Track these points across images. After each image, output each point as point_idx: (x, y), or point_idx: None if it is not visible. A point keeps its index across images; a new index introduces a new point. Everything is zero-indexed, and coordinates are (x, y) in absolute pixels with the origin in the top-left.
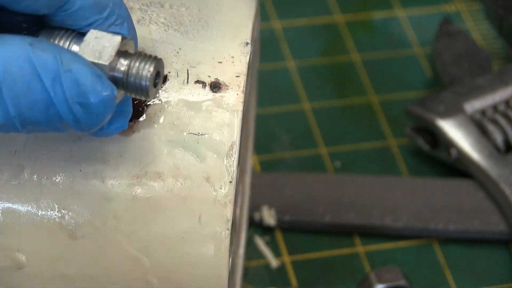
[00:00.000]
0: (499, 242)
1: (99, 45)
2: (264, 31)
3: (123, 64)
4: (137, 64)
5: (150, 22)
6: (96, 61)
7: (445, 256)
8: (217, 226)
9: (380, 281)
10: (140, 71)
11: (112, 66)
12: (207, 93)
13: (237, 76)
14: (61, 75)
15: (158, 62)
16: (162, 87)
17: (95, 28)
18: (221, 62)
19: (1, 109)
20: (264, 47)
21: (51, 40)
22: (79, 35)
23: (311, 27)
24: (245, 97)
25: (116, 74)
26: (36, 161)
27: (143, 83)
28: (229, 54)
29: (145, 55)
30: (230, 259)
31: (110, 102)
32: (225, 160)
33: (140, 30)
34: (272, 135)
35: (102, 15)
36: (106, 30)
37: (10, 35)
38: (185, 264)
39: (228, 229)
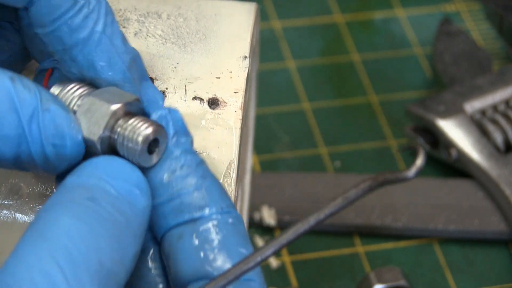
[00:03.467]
0: (499, 242)
1: (92, 113)
2: (264, 31)
3: (119, 124)
4: (134, 123)
5: (147, 35)
6: (86, 136)
7: (445, 256)
8: None
9: (380, 281)
10: (134, 135)
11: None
12: (205, 110)
13: (236, 92)
14: (40, 113)
15: (156, 128)
16: (161, 156)
17: (69, 20)
18: (219, 78)
19: None
20: (264, 47)
21: (62, 89)
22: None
23: (311, 27)
24: (243, 113)
25: (111, 134)
26: (31, 179)
27: (136, 147)
28: (227, 69)
29: (146, 120)
30: None
31: (83, 147)
32: (222, 179)
33: (137, 44)
34: (272, 135)
35: (75, 6)
36: (80, 23)
37: None
38: None
39: None
